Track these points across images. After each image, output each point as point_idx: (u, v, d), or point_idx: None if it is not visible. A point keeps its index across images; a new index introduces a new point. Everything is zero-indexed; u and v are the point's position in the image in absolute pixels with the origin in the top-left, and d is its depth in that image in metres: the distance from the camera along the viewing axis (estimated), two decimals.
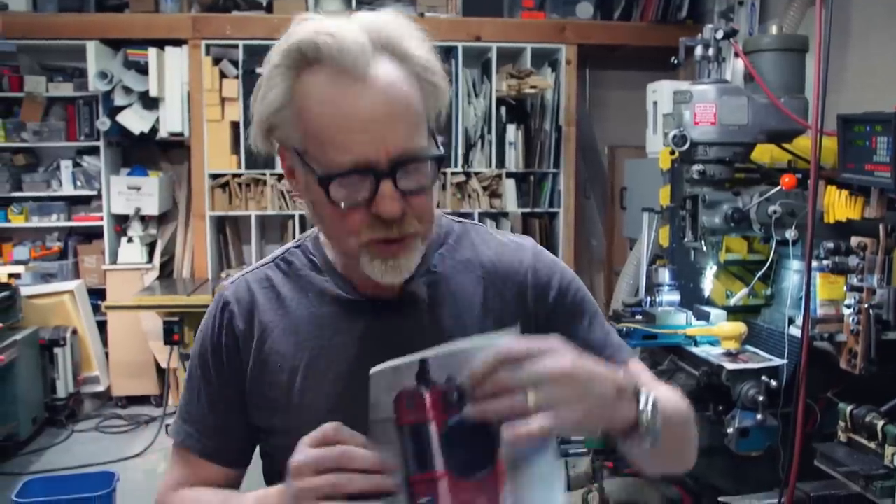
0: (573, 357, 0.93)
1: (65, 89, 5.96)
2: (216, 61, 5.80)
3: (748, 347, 3.07)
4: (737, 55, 3.33)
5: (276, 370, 1.19)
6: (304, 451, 0.98)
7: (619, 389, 0.97)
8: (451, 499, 0.94)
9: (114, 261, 6.01)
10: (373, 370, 0.97)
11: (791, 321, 2.99)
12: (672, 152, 3.21)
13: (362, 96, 1.02)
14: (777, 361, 2.91)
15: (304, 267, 1.24)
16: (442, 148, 1.14)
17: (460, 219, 1.31)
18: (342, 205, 1.04)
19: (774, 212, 2.94)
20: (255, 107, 1.10)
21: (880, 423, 2.48)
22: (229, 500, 1.19)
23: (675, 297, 3.30)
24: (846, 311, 2.67)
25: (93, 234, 6.13)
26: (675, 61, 3.29)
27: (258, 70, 5.90)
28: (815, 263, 2.74)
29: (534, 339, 0.94)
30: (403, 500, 0.96)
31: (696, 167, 3.02)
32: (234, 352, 1.21)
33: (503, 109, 6.07)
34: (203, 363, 1.23)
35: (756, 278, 3.12)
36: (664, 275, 3.32)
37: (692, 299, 3.33)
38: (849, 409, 2.60)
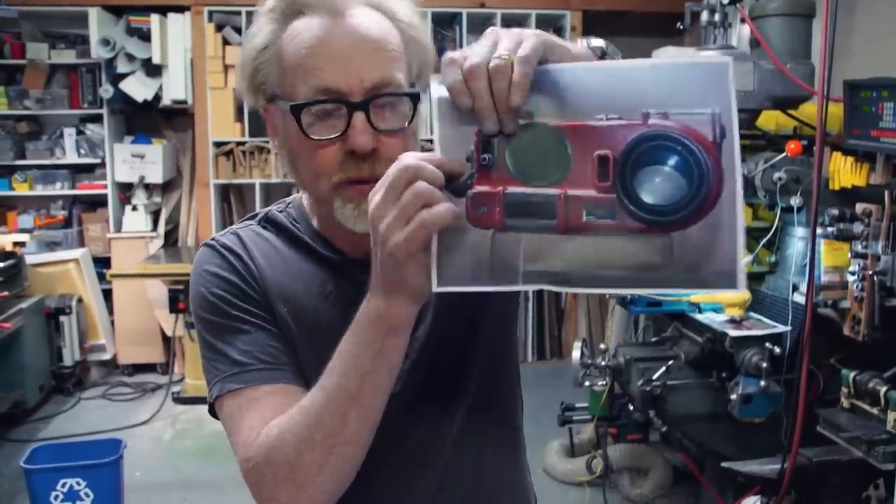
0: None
1: (67, 56, 5.94)
2: (219, 28, 5.77)
3: (752, 314, 3.08)
4: (743, 20, 3.31)
5: (282, 313, 1.15)
6: (377, 197, 0.88)
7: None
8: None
9: (118, 229, 6.02)
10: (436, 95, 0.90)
11: (795, 288, 2.99)
12: None
13: (338, 29, 1.04)
14: (781, 328, 2.92)
15: (290, 227, 1.22)
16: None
17: None
18: (313, 136, 1.04)
19: (779, 178, 2.93)
20: (241, 54, 1.12)
21: (883, 389, 2.49)
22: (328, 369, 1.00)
23: None
24: (850, 278, 2.67)
25: (97, 203, 6.13)
26: (681, 27, 3.27)
27: None
28: (819, 230, 2.73)
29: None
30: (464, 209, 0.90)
31: None
32: (245, 282, 1.15)
33: None
34: (221, 300, 1.13)
35: (760, 245, 3.12)
36: None
37: None
38: (852, 375, 2.61)
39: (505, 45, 0.86)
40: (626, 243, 0.89)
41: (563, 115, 0.89)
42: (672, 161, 0.87)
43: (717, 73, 0.87)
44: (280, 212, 1.25)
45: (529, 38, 0.87)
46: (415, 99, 1.07)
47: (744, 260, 0.89)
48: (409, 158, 0.87)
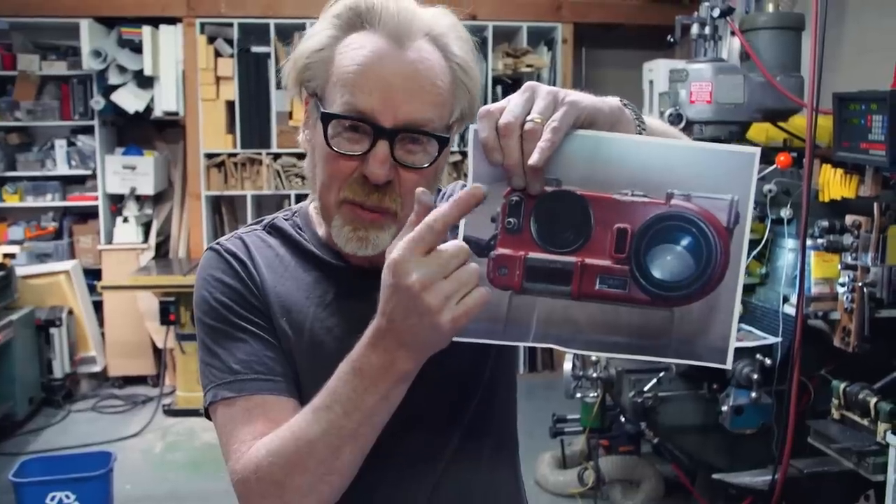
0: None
1: (58, 68, 5.93)
2: (211, 40, 5.77)
3: (743, 326, 3.08)
4: (733, 33, 3.33)
5: (280, 323, 1.16)
6: (417, 262, 0.88)
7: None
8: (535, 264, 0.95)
9: (109, 241, 6.00)
10: (473, 127, 0.95)
11: (785, 299, 3.00)
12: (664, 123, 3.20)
13: (392, 58, 1.05)
14: (771, 340, 2.93)
15: (294, 235, 1.23)
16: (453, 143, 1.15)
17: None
18: (334, 147, 1.05)
19: (770, 190, 2.94)
20: (297, 46, 1.13)
21: (873, 400, 2.49)
22: (321, 396, 1.00)
23: None
24: (840, 290, 2.68)
25: (88, 214, 6.11)
26: (672, 39, 3.29)
27: (253, 49, 5.81)
28: (809, 242, 2.75)
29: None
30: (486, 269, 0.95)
31: None
32: (247, 289, 1.16)
33: (499, 88, 6.05)
34: (223, 306, 1.15)
35: (751, 257, 3.13)
36: None
37: None
38: (842, 386, 2.62)
39: (540, 106, 0.92)
40: (631, 313, 0.95)
41: (591, 183, 0.93)
42: (685, 241, 0.93)
43: (744, 161, 0.93)
44: (286, 220, 1.26)
45: (564, 105, 0.92)
46: (443, 143, 1.08)
47: (734, 339, 0.95)
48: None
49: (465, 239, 0.94)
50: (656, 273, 0.93)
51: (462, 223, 0.94)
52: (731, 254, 0.93)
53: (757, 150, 0.93)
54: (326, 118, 1.06)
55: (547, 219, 0.94)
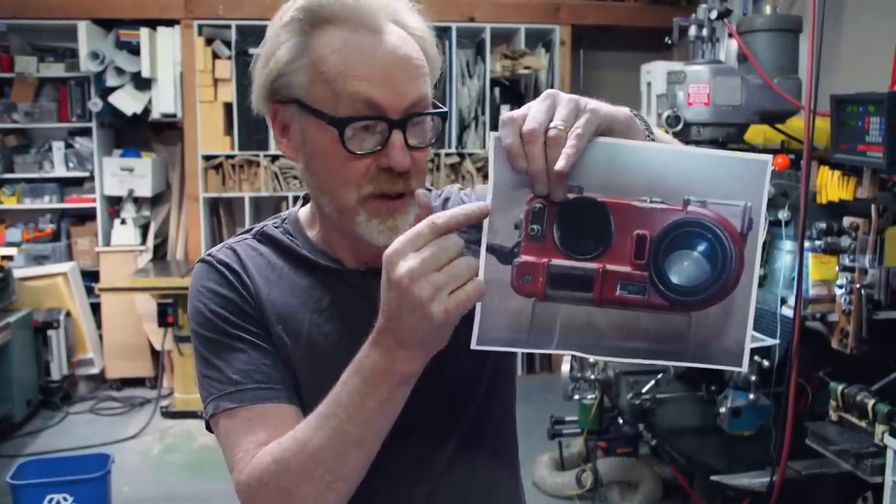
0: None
1: (56, 70, 5.93)
2: (209, 42, 5.76)
3: None
4: (731, 35, 3.33)
5: (277, 330, 1.16)
6: (407, 256, 0.89)
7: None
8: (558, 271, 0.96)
9: (107, 242, 6.00)
10: (493, 133, 0.95)
11: (783, 301, 3.01)
12: (665, 133, 3.21)
13: (380, 47, 1.06)
14: (769, 341, 2.93)
15: (286, 241, 1.22)
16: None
17: None
18: (354, 150, 1.05)
19: (768, 192, 2.94)
20: (258, 68, 1.11)
21: (871, 402, 2.50)
22: (325, 403, 1.00)
23: None
24: (838, 291, 2.69)
25: (86, 216, 6.11)
26: (669, 41, 3.30)
27: (251, 50, 5.77)
28: (807, 244, 2.75)
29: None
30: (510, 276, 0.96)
31: None
32: (242, 298, 1.16)
33: (497, 90, 6.06)
34: (218, 317, 1.14)
35: None
36: None
37: None
38: (840, 388, 2.62)
39: (562, 113, 0.92)
40: (650, 318, 0.97)
41: (609, 189, 0.95)
42: (701, 247, 0.95)
43: (757, 168, 0.96)
44: (276, 227, 1.25)
45: (586, 112, 0.93)
46: (443, 117, 1.12)
47: (749, 342, 0.97)
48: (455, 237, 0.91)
49: (489, 247, 0.94)
50: (674, 278, 0.95)
51: (485, 231, 0.94)
52: (745, 259, 0.95)
53: (769, 158, 0.95)
54: (342, 123, 1.04)
55: (569, 225, 0.95)
